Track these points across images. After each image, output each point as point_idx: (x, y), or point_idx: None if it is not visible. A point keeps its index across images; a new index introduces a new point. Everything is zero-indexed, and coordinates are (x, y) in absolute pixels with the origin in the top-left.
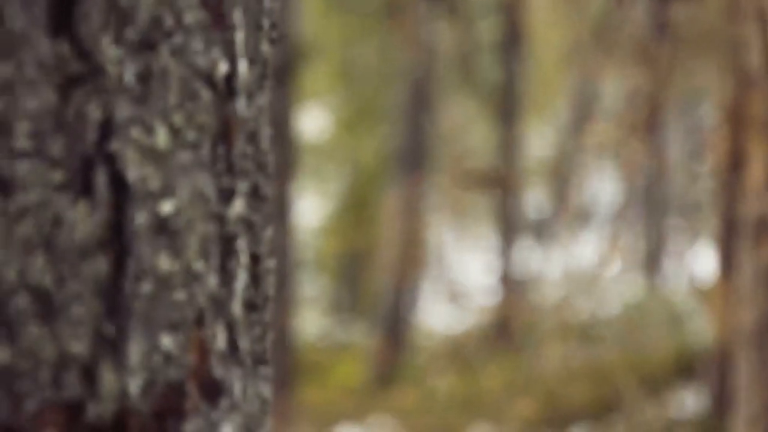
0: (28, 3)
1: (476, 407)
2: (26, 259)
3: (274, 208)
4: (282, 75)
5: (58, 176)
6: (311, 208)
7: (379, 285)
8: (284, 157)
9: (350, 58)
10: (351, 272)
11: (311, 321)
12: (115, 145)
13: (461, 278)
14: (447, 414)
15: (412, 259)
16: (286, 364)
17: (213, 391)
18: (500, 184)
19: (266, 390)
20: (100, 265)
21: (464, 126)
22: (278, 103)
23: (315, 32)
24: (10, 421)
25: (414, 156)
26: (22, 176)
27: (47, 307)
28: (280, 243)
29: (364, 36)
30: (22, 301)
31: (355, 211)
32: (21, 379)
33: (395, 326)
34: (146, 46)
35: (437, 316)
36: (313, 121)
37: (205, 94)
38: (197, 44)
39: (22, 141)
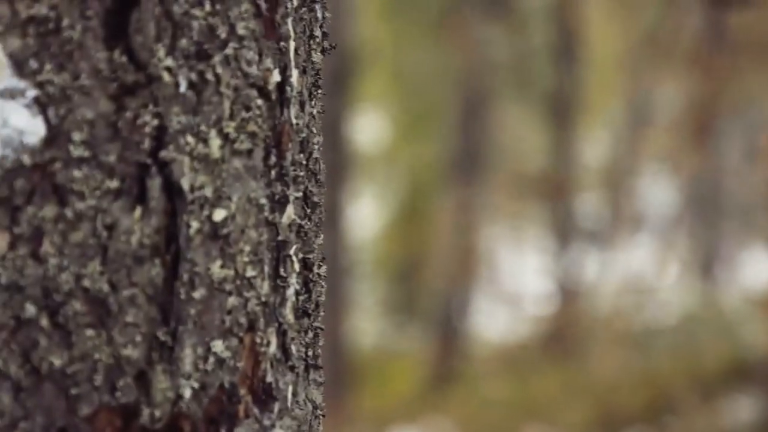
0: (85, 13)
1: (530, 412)
2: (82, 264)
3: (327, 214)
4: (336, 81)
5: (113, 183)
6: (368, 214)
7: (433, 290)
8: (337, 163)
9: (405, 63)
10: (407, 277)
11: (367, 325)
12: (169, 153)
13: (515, 284)
14: (501, 418)
15: (465, 265)
16: (340, 369)
17: (265, 396)
18: (554, 190)
19: (318, 395)
20: (155, 270)
21: (518, 131)
22: (332, 109)
23: (370, 38)
24: (66, 425)
25: (468, 161)
26: (78, 183)
27: (102, 312)
28: (332, 248)
29: (419, 42)
30: (77, 306)
31: (411, 216)
32: (76, 382)
33: (449, 331)
34: (200, 55)
35: (491, 322)
36: (369, 127)
37: (258, 103)
38: (250, 54)
39: (77, 149)
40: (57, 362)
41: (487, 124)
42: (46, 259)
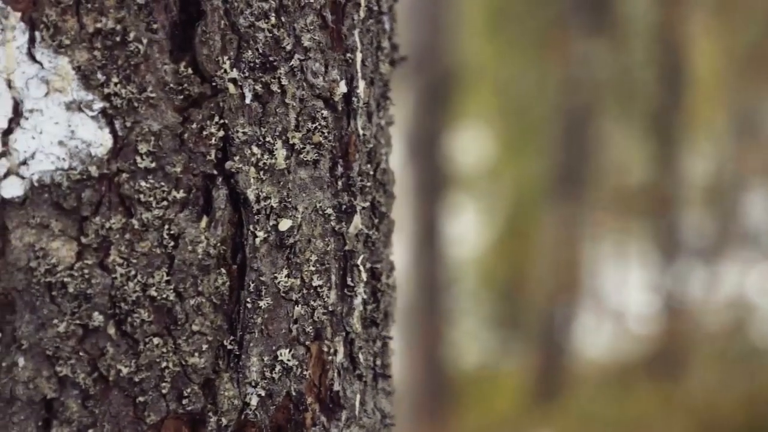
0: (151, 26)
1: (632, 429)
2: (148, 274)
3: (424, 231)
4: (436, 98)
5: (179, 194)
6: (471, 230)
7: (536, 306)
8: (436, 180)
9: (508, 80)
10: (510, 293)
11: (470, 342)
12: (234, 164)
13: (619, 300)
14: None
15: (568, 281)
16: (440, 386)
17: (332, 404)
18: (658, 205)
19: (387, 404)
20: (221, 280)
21: (621, 146)
22: (431, 126)
23: (472, 55)
24: None
25: (571, 177)
26: (145, 194)
27: (169, 321)
28: (431, 265)
29: (522, 58)
30: (144, 315)
31: (515, 232)
32: (144, 390)
33: (552, 348)
34: (265, 67)
35: (594, 338)
36: (472, 144)
37: (324, 114)
38: (316, 65)
39: (144, 160)
40: (124, 370)
41: (590, 139)
42: (113, 268)
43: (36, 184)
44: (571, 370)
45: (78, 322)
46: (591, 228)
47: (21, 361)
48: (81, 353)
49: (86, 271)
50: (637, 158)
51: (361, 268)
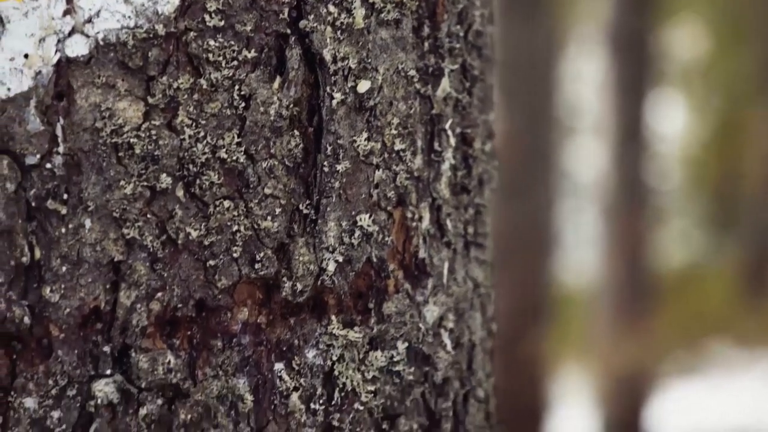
0: None
1: None
2: (218, 135)
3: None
4: None
5: (250, 53)
6: (681, 127)
7: (749, 204)
8: (641, 75)
9: None
10: (722, 190)
11: (680, 241)
12: (309, 23)
13: None
14: None
15: None
16: (644, 285)
17: (418, 271)
18: None
19: (480, 273)
20: (294, 142)
21: None
22: (635, 20)
23: None
24: (204, 296)
25: None
26: (213, 53)
27: (240, 184)
28: (635, 161)
29: None
30: (214, 177)
31: (728, 128)
32: (214, 254)
33: (765, 245)
34: None
35: None
36: (682, 38)
37: None
38: None
39: (212, 18)
40: (194, 233)
41: None
42: (181, 129)
43: (101, 43)
44: None
45: (145, 183)
46: None
47: (88, 223)
48: (149, 215)
49: (153, 132)
50: None
51: (450, 132)
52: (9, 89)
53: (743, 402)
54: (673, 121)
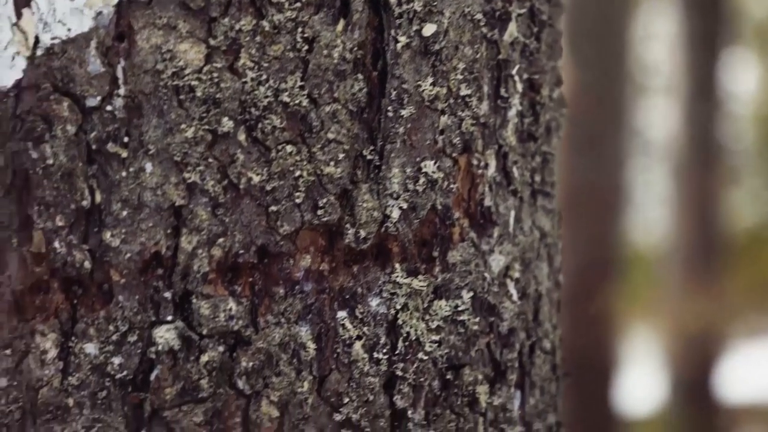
0: None
1: None
2: (281, 78)
3: (700, 84)
4: None
5: None
6: (755, 84)
7: None
8: (714, 32)
9: None
10: None
11: (750, 200)
12: None
13: None
14: None
15: None
16: (713, 244)
17: (483, 220)
18: None
19: (548, 222)
20: (358, 86)
21: None
22: None
23: None
24: (266, 242)
25: None
26: None
27: (303, 128)
28: (707, 120)
29: None
30: (276, 121)
31: None
32: (276, 199)
33: None
34: None
35: None
36: None
37: None
38: None
39: None
40: (255, 178)
41: None
42: (243, 72)
43: None
44: None
45: (207, 127)
46: None
47: (149, 167)
48: (210, 160)
49: (215, 74)
50: None
51: (517, 78)
52: (69, 30)
53: None
54: (746, 80)
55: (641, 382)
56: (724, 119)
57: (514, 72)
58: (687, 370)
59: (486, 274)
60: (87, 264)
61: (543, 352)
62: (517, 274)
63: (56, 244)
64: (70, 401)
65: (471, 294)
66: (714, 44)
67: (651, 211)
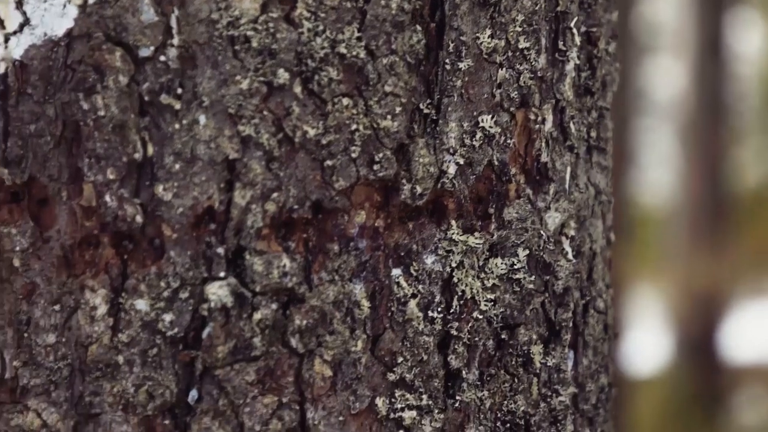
0: None
1: None
2: (338, 29)
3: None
4: None
5: None
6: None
7: None
8: None
9: None
10: None
11: (756, 159)
12: None
13: None
14: None
15: None
16: (720, 204)
17: (539, 176)
18: None
19: (603, 179)
20: (416, 38)
21: None
22: None
23: None
24: (321, 198)
25: None
26: None
27: (359, 81)
28: (714, 81)
29: None
30: (333, 73)
31: None
32: (332, 154)
33: None
34: None
35: None
36: None
37: None
38: None
39: None
40: (311, 131)
41: None
42: (299, 22)
43: None
44: None
45: (262, 79)
46: None
47: (202, 119)
48: (265, 112)
49: (271, 24)
50: None
51: (575, 31)
52: None
53: None
54: (752, 40)
55: (647, 342)
56: (731, 79)
57: (572, 24)
58: (692, 329)
59: (542, 232)
60: (138, 218)
61: (596, 312)
62: (572, 232)
63: (107, 198)
64: (120, 358)
65: (527, 252)
66: (720, 4)
67: (657, 171)
